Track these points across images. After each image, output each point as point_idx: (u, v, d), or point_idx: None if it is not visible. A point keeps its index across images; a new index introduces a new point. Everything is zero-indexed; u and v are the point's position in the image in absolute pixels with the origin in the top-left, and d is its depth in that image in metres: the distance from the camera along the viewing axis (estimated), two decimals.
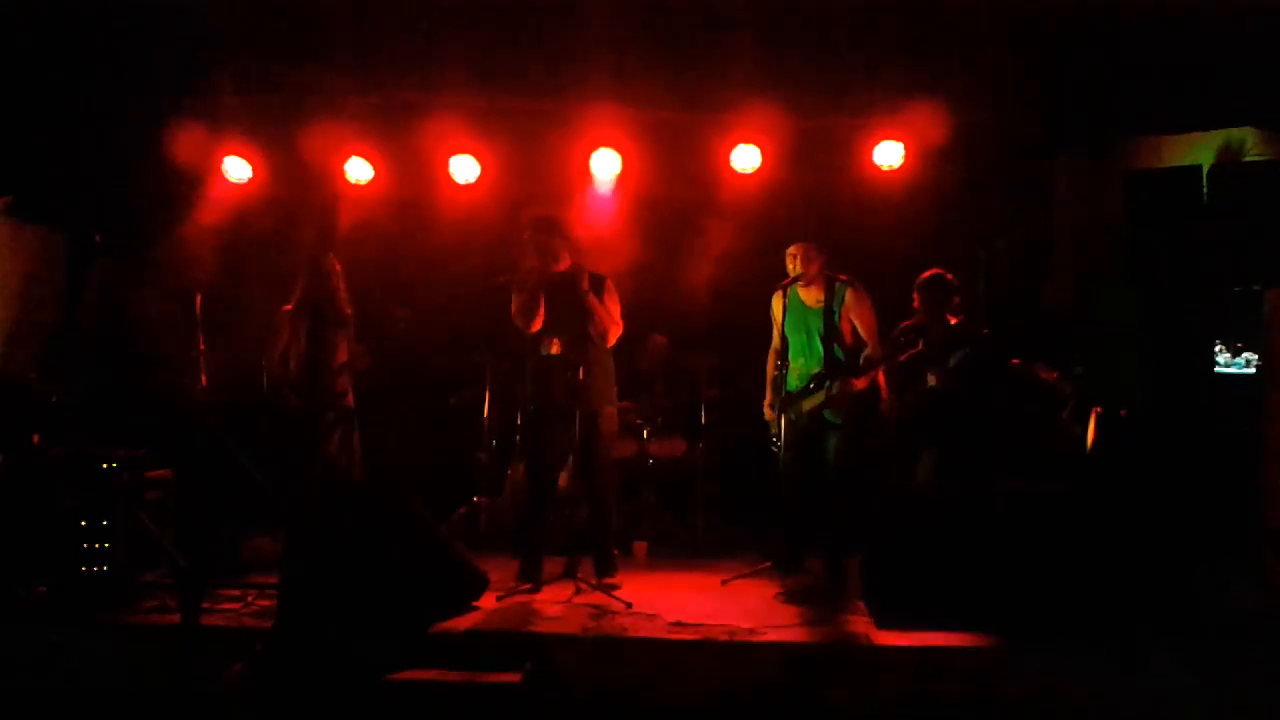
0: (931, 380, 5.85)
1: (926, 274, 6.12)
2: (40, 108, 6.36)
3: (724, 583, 5.91)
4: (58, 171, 6.64)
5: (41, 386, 5.95)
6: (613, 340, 5.89)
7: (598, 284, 5.81)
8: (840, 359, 5.83)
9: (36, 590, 5.31)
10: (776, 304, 6.03)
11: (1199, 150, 6.28)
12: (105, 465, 5.58)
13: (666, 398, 7.65)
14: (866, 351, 5.84)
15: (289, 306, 6.24)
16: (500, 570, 5.78)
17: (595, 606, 5.36)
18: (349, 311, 6.30)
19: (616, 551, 6.03)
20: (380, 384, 6.88)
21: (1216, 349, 5.96)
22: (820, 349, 5.84)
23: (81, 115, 6.49)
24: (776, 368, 5.93)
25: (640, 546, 6.81)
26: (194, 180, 6.97)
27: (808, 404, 5.82)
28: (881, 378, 5.92)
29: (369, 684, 4.28)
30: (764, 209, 6.98)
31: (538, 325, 5.80)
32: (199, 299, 6.23)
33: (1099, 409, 5.76)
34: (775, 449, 5.86)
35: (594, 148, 6.74)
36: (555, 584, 5.69)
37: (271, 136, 6.81)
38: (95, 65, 6.27)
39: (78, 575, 5.40)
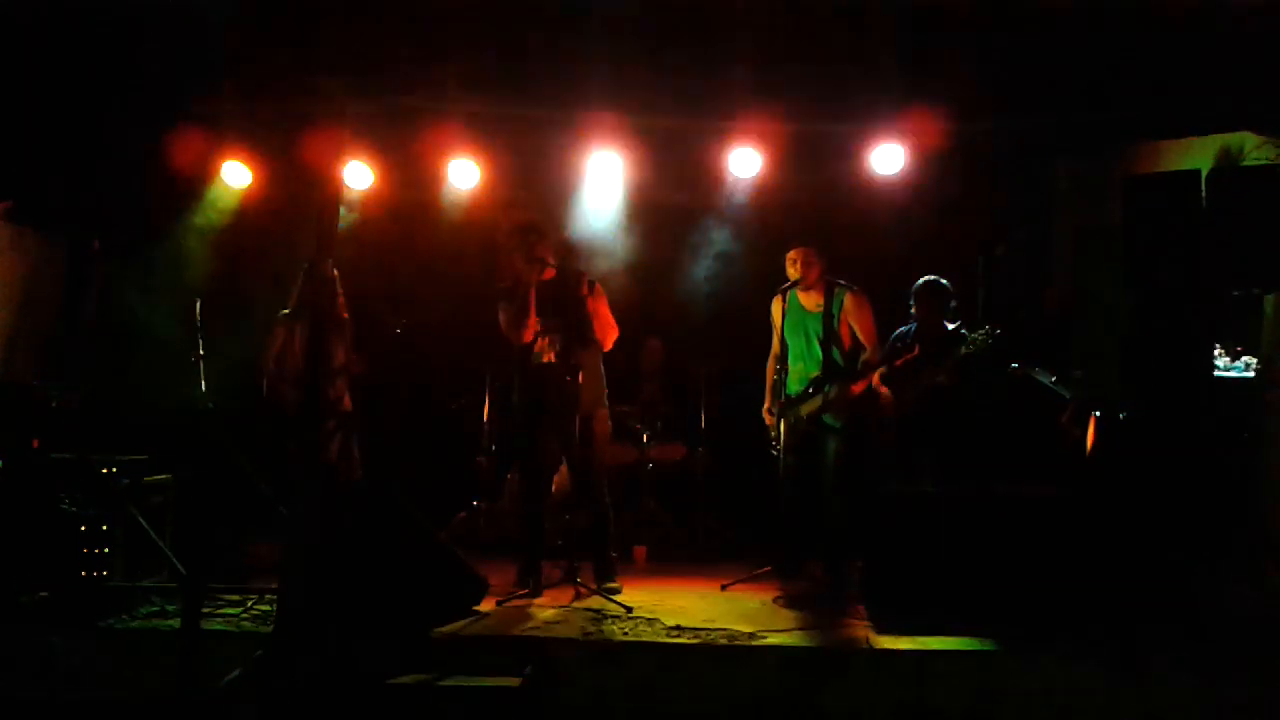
0: (940, 378, 5.84)
1: (923, 280, 6.13)
2: (41, 113, 6.37)
3: (724, 587, 5.91)
4: (58, 177, 6.65)
5: (42, 391, 5.95)
6: (610, 344, 5.89)
7: (590, 288, 5.80)
8: (839, 363, 5.83)
9: (37, 595, 5.30)
10: (776, 308, 6.04)
11: (1197, 154, 6.29)
12: (105, 470, 5.58)
13: (665, 402, 7.66)
14: (864, 355, 5.85)
15: (286, 311, 6.25)
16: (500, 575, 5.78)
17: (595, 611, 5.36)
18: (346, 317, 6.31)
19: (616, 556, 6.02)
20: (379, 389, 6.89)
21: (1215, 352, 5.95)
22: (819, 353, 5.85)
23: (82, 120, 6.50)
24: (776, 372, 5.94)
25: (640, 551, 6.82)
26: (194, 186, 6.99)
27: (806, 408, 5.83)
28: (878, 380, 5.91)
29: (369, 688, 4.28)
30: (763, 214, 6.99)
31: (529, 336, 5.77)
32: (198, 304, 6.24)
33: (1098, 412, 5.76)
34: (775, 453, 5.87)
35: (593, 152, 6.75)
36: (555, 588, 5.69)
37: (270, 142, 6.82)
38: (96, 71, 6.28)
39: (78, 580, 5.39)
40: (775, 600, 5.60)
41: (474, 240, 7.27)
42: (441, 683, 4.33)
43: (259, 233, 7.23)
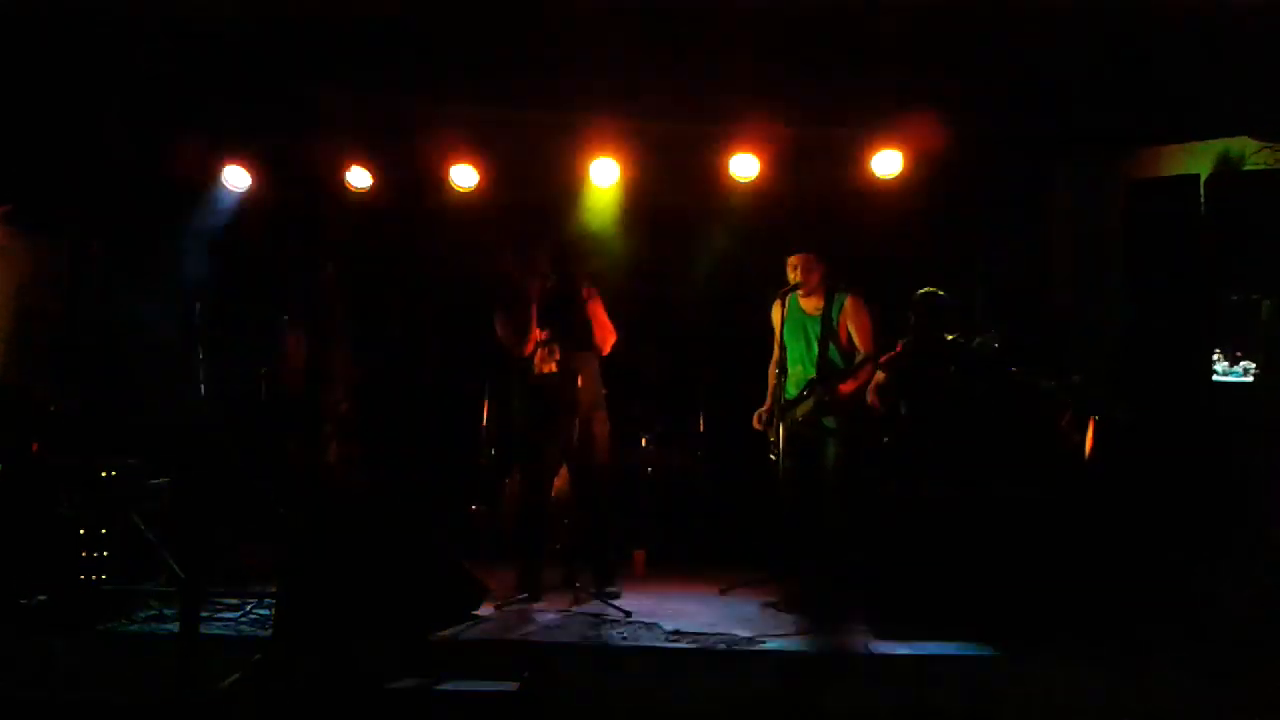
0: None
1: (921, 291, 6.13)
2: (41, 116, 6.37)
3: (723, 591, 5.91)
4: (58, 180, 6.65)
5: (41, 395, 5.95)
6: (608, 348, 5.90)
7: (588, 292, 5.81)
8: (837, 365, 5.83)
9: (36, 599, 5.30)
10: (775, 312, 6.04)
11: (1197, 160, 6.30)
12: (104, 474, 5.58)
13: (665, 406, 7.65)
14: (859, 357, 5.85)
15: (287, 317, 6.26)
16: (499, 579, 5.78)
17: (594, 615, 5.36)
18: (346, 322, 6.31)
19: (615, 560, 6.02)
20: (378, 393, 6.89)
21: (1214, 357, 5.95)
22: (818, 355, 5.85)
23: (82, 123, 6.50)
24: (776, 376, 5.94)
25: (639, 555, 6.81)
26: (193, 189, 6.98)
27: (800, 410, 5.83)
28: (873, 392, 5.90)
29: (367, 692, 4.28)
30: (763, 218, 6.99)
31: (530, 349, 5.78)
32: (198, 308, 6.24)
33: (1097, 416, 5.76)
34: (772, 457, 5.87)
35: (593, 157, 6.75)
36: (554, 593, 5.69)
37: (271, 146, 6.82)
38: (96, 73, 6.28)
39: (76, 584, 5.39)
40: (774, 605, 5.61)
41: (474, 244, 7.27)
42: (440, 687, 4.32)
43: (258, 236, 7.22)
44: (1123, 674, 4.44)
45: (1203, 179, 6.14)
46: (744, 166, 6.71)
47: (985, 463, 5.71)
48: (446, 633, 4.96)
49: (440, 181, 6.99)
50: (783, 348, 5.96)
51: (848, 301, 5.87)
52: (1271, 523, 5.37)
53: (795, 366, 5.93)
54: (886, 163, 6.64)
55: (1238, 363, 5.90)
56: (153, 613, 5.30)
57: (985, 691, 4.45)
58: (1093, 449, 5.71)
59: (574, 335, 5.70)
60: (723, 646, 4.82)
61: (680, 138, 6.63)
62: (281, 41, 6.00)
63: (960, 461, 5.81)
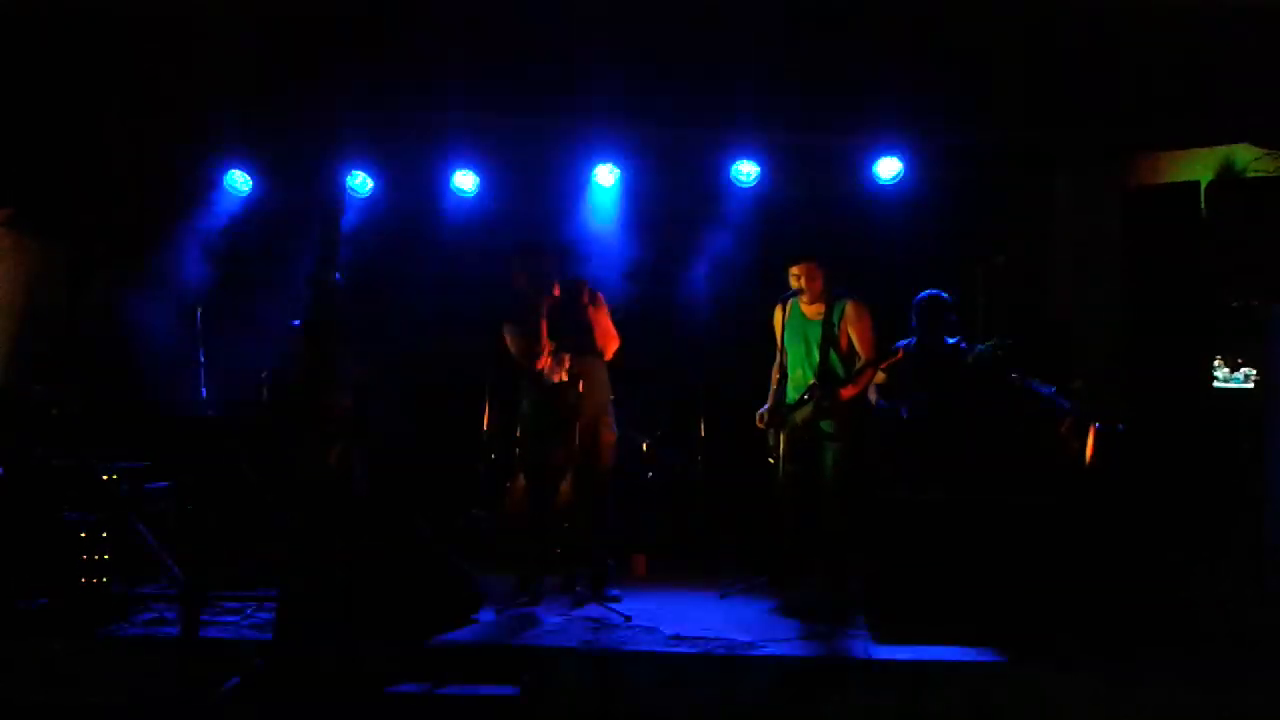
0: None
1: (924, 294, 6.14)
2: (42, 120, 6.39)
3: (722, 596, 5.90)
4: (59, 184, 6.66)
5: (42, 398, 5.96)
6: (611, 353, 5.90)
7: (592, 297, 5.81)
8: (837, 370, 5.83)
9: (37, 602, 5.30)
10: (777, 316, 6.04)
11: (1197, 166, 6.32)
12: (105, 477, 5.58)
13: (665, 410, 7.65)
14: (859, 363, 5.86)
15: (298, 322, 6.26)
16: (499, 583, 5.78)
17: (594, 619, 5.36)
18: (348, 324, 6.31)
19: (615, 564, 6.02)
20: (380, 397, 6.89)
21: (1215, 364, 5.97)
22: (818, 360, 5.85)
23: (83, 127, 6.51)
24: (777, 381, 5.95)
25: (639, 559, 6.81)
26: (196, 193, 7.00)
27: (800, 415, 5.83)
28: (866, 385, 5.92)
29: (368, 696, 4.28)
30: (764, 223, 7.00)
31: (543, 361, 5.77)
32: (199, 311, 6.25)
33: (1098, 423, 5.77)
34: (771, 461, 5.87)
35: (595, 163, 6.77)
36: (554, 597, 5.69)
37: (273, 150, 6.84)
38: (98, 78, 6.29)
39: (78, 587, 5.39)
40: (774, 609, 5.60)
41: (475, 247, 7.28)
42: (440, 691, 4.33)
43: (261, 240, 7.24)
44: (1122, 680, 4.44)
45: (1203, 186, 6.16)
46: (746, 172, 6.74)
47: (986, 468, 5.73)
48: (447, 636, 4.96)
49: (442, 186, 7.02)
50: (784, 352, 5.96)
51: (849, 308, 5.87)
52: (1270, 530, 5.38)
53: (796, 371, 5.93)
54: (888, 170, 6.66)
55: (1238, 369, 5.92)
56: (153, 616, 5.29)
57: (985, 698, 4.45)
58: (1093, 455, 5.72)
59: (579, 341, 5.69)
60: (723, 651, 4.82)
61: (682, 142, 6.65)
62: (284, 45, 6.01)
63: (961, 466, 5.82)
